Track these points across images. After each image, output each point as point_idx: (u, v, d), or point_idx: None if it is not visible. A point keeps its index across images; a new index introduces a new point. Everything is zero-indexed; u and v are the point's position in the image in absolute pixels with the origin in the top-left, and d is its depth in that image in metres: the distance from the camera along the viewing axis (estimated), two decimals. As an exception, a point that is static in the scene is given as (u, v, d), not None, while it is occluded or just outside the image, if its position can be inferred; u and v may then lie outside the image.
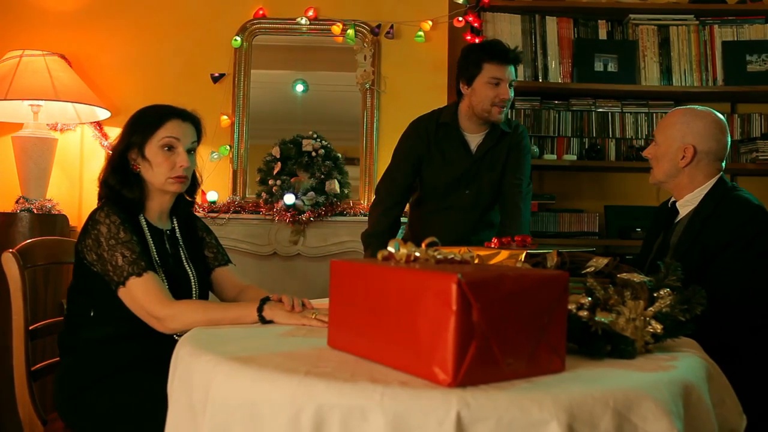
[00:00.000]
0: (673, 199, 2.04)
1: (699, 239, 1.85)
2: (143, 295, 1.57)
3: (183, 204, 1.86)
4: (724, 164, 1.98)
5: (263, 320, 1.49)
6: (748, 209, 1.85)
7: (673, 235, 1.97)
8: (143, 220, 1.74)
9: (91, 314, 1.67)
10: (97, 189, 1.77)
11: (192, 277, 1.79)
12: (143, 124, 1.74)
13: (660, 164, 1.99)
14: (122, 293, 1.60)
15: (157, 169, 1.72)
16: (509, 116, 2.60)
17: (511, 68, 2.42)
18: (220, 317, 1.52)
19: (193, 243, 1.86)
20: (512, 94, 2.45)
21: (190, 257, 1.82)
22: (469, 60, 2.45)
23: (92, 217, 1.66)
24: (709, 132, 1.92)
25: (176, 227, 1.84)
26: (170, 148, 1.73)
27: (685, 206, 1.97)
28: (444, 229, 2.42)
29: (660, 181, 2.00)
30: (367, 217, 2.68)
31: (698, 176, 1.94)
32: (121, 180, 1.71)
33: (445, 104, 3.07)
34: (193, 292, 1.78)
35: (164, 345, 1.51)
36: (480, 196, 2.52)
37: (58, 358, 1.78)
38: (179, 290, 1.71)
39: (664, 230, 2.04)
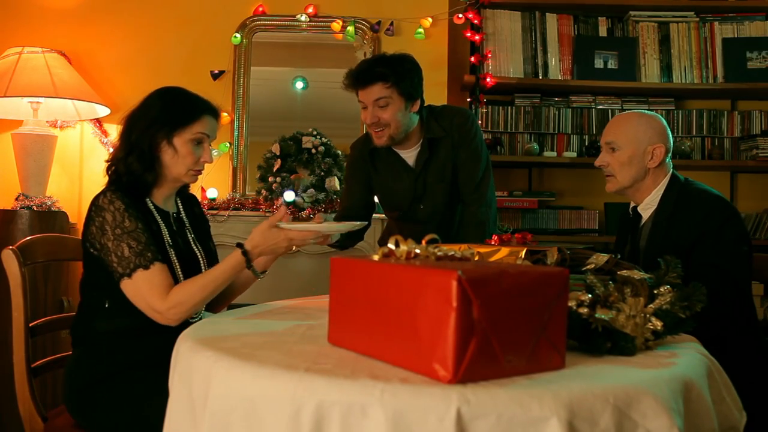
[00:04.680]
0: (633, 205, 2.04)
1: (669, 238, 1.86)
2: (148, 288, 1.56)
3: (184, 186, 1.86)
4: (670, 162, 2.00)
5: (248, 262, 1.61)
6: (708, 201, 1.87)
7: (641, 239, 1.98)
8: (150, 204, 1.72)
9: (106, 305, 1.64)
10: (107, 167, 1.73)
11: (201, 258, 1.79)
12: (178, 113, 1.72)
13: (625, 169, 1.94)
14: (126, 284, 1.57)
15: (182, 160, 1.71)
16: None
17: (372, 88, 2.11)
18: (212, 283, 1.58)
19: (198, 224, 1.87)
20: (390, 114, 2.13)
21: (197, 238, 1.82)
22: None
23: (95, 203, 1.63)
24: (666, 131, 1.96)
25: (181, 209, 1.84)
26: (199, 142, 1.74)
27: (647, 209, 1.98)
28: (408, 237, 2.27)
29: (625, 186, 1.96)
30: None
31: (660, 176, 1.95)
32: (147, 165, 1.68)
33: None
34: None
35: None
36: (435, 208, 2.33)
37: (58, 355, 1.78)
38: (190, 272, 1.69)
39: (630, 236, 2.05)
